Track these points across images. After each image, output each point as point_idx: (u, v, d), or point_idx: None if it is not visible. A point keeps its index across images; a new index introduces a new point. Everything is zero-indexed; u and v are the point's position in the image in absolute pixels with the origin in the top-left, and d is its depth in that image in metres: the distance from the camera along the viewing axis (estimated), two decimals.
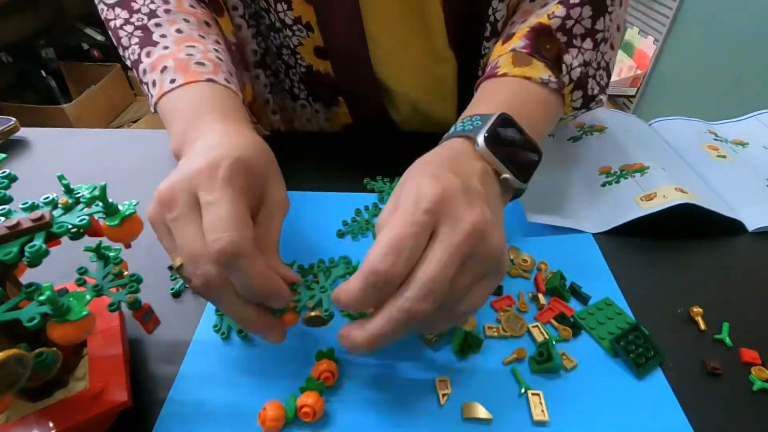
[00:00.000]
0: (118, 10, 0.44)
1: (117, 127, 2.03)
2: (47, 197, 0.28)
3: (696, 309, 0.36)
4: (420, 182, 0.28)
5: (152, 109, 0.41)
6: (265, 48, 0.55)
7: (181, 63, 0.39)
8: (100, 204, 0.28)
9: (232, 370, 0.33)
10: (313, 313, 0.30)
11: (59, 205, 0.28)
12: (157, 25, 0.42)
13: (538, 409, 0.30)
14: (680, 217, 0.42)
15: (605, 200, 0.46)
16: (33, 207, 0.27)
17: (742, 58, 1.39)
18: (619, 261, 0.41)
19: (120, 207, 0.28)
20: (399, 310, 0.25)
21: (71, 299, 0.25)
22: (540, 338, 0.34)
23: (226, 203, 0.26)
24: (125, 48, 0.44)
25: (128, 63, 0.44)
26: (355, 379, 0.32)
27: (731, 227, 0.44)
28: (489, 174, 0.32)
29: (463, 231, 0.26)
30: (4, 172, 0.30)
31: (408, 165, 0.32)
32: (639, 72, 1.81)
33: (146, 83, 0.41)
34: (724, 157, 0.53)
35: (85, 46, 2.14)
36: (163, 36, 0.42)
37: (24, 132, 0.59)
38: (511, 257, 0.41)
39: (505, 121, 0.34)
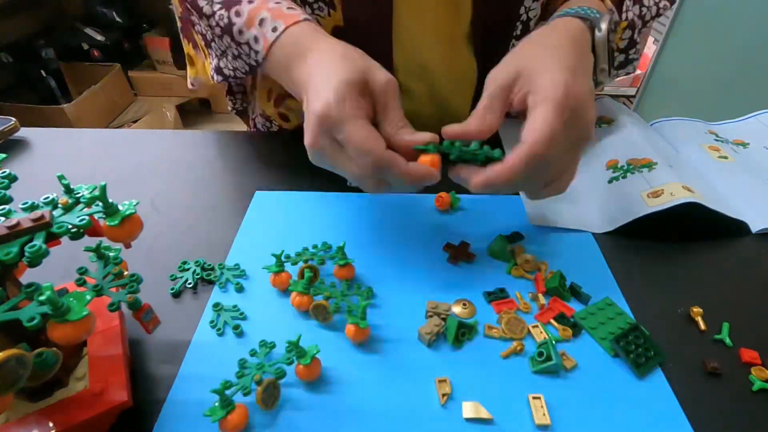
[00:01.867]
0: None
1: (117, 127, 2.03)
2: (47, 197, 0.28)
3: (696, 309, 0.36)
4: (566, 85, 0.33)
5: (259, 63, 0.43)
6: None
7: (275, 12, 0.42)
8: (100, 204, 0.28)
9: (232, 369, 0.33)
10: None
11: (59, 205, 0.28)
12: None
13: (540, 413, 0.30)
14: (683, 218, 0.42)
15: (612, 198, 0.46)
16: (33, 207, 0.27)
17: (742, 58, 1.39)
18: (619, 261, 0.41)
19: (120, 207, 0.28)
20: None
21: (71, 299, 0.25)
22: (540, 338, 0.34)
23: (352, 134, 0.32)
24: (209, 17, 0.44)
25: (217, 32, 0.45)
26: (355, 378, 0.32)
27: (734, 228, 0.44)
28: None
29: (587, 130, 0.35)
30: (4, 172, 0.30)
31: None
32: (639, 72, 1.81)
33: (244, 43, 0.43)
34: (725, 158, 0.53)
35: (85, 46, 2.13)
36: None
37: (24, 132, 0.59)
38: (515, 258, 0.41)
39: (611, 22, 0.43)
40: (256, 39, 0.42)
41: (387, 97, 0.35)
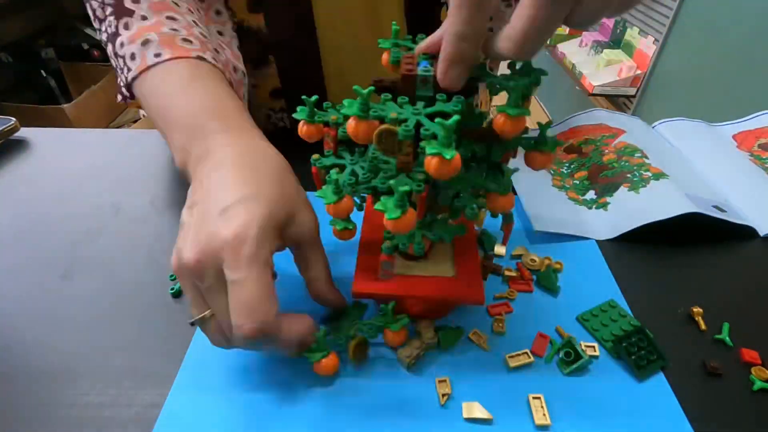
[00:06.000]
0: None
1: (117, 127, 2.03)
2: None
3: (696, 309, 0.36)
4: None
5: (124, 86, 0.39)
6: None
7: (165, 37, 0.37)
8: None
9: (232, 370, 0.33)
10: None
11: None
12: None
13: (540, 413, 0.30)
14: (686, 221, 0.42)
15: (616, 205, 0.46)
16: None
17: (742, 58, 1.39)
18: (619, 261, 0.41)
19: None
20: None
21: None
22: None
23: (249, 284, 0.26)
24: (101, 21, 0.41)
25: (104, 38, 0.41)
26: (355, 379, 0.32)
27: (741, 232, 0.44)
28: None
29: None
30: None
31: None
32: (639, 72, 1.81)
33: (122, 56, 0.38)
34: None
35: (85, 46, 2.14)
36: (135, 2, 0.39)
37: (24, 132, 0.59)
38: (525, 259, 0.41)
39: None
40: (133, 56, 0.37)
41: (312, 248, 0.32)
